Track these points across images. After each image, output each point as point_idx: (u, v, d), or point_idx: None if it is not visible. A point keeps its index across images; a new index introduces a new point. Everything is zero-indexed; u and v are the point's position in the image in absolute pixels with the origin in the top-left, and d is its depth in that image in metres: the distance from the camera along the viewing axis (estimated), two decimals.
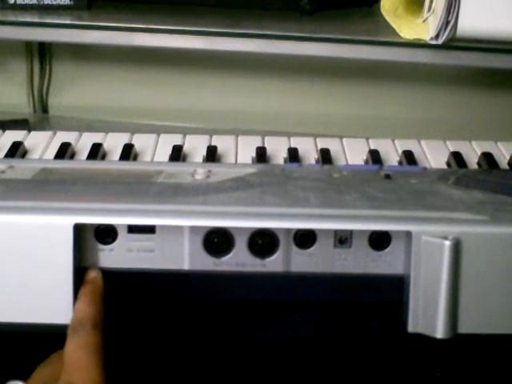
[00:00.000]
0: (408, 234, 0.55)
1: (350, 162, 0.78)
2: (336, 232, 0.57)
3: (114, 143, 0.80)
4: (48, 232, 0.55)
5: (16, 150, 0.78)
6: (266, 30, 0.93)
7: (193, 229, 0.56)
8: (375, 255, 0.57)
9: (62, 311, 0.55)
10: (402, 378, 0.65)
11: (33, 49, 1.18)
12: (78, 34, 0.96)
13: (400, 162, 0.78)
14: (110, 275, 0.57)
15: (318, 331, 0.61)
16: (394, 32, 0.90)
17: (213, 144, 0.81)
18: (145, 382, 0.64)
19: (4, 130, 0.84)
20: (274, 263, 0.57)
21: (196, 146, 0.80)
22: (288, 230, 0.57)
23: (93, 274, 0.56)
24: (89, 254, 0.57)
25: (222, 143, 0.81)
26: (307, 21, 0.97)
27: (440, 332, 0.54)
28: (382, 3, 0.90)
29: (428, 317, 0.55)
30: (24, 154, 0.79)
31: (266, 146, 0.81)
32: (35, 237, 0.55)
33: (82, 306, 0.54)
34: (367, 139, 0.82)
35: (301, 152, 0.79)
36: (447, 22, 0.83)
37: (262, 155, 0.78)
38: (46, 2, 0.99)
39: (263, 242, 0.57)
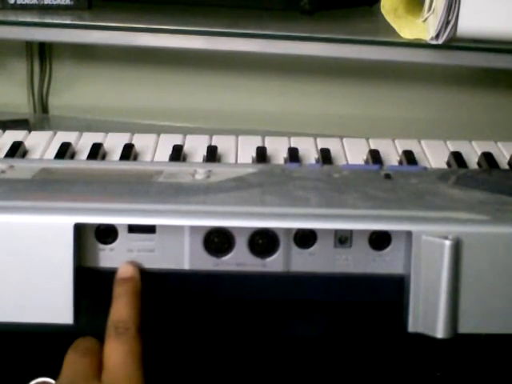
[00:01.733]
0: (408, 234, 0.55)
1: (350, 162, 0.78)
2: (336, 232, 0.57)
3: (114, 143, 0.80)
4: (48, 232, 0.55)
5: (16, 150, 0.78)
6: (266, 29, 0.93)
7: (193, 228, 0.56)
8: (375, 255, 0.57)
9: (62, 311, 0.55)
10: (402, 377, 0.65)
11: (33, 49, 1.18)
12: (78, 34, 0.96)
13: (400, 162, 0.78)
14: (110, 275, 0.57)
15: (318, 331, 0.61)
16: (394, 32, 0.90)
17: (213, 144, 0.81)
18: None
19: (4, 130, 0.84)
20: (274, 263, 0.57)
21: (196, 146, 0.80)
22: (288, 230, 0.57)
23: (130, 271, 0.56)
24: (89, 254, 0.57)
25: (222, 143, 0.81)
26: (307, 21, 0.97)
27: (440, 332, 0.54)
28: (382, 3, 0.90)
29: (428, 317, 0.55)
30: (24, 154, 0.79)
31: (266, 145, 0.81)
32: (35, 237, 0.55)
33: (123, 307, 0.54)
34: (367, 139, 0.82)
35: (301, 152, 0.79)
36: (447, 22, 0.83)
37: (262, 155, 0.78)
38: (46, 2, 0.99)
39: (263, 241, 0.57)
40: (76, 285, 0.55)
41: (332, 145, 0.80)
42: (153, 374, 0.54)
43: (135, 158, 0.78)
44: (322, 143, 0.81)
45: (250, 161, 0.78)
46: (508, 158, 0.79)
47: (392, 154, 0.79)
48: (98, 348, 0.53)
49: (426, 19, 0.87)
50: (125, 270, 0.56)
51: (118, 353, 0.51)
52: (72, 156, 0.78)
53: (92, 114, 1.16)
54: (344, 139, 0.82)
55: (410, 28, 0.89)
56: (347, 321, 0.59)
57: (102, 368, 0.51)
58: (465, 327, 0.55)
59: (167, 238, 0.57)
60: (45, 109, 1.21)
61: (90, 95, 1.19)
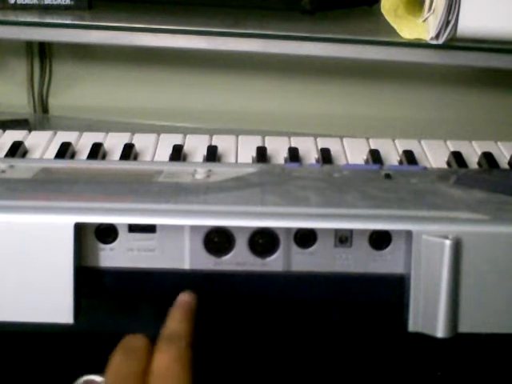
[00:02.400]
0: (408, 234, 0.55)
1: (350, 162, 0.78)
2: (336, 231, 0.57)
3: (114, 143, 0.80)
4: (48, 231, 0.55)
5: (16, 150, 0.78)
6: (266, 29, 0.93)
7: (193, 228, 0.56)
8: (376, 255, 0.57)
9: (62, 311, 0.55)
10: (402, 377, 0.65)
11: (33, 49, 1.18)
12: (78, 34, 0.96)
13: (400, 162, 0.78)
14: (110, 275, 0.57)
15: (317, 331, 0.61)
16: (394, 32, 0.90)
17: (213, 144, 0.81)
18: None
19: (4, 130, 0.84)
20: (274, 262, 0.57)
21: (196, 146, 0.80)
22: (288, 230, 0.57)
23: (187, 298, 0.56)
24: (89, 254, 0.57)
25: (223, 143, 0.81)
26: (308, 21, 0.97)
27: (440, 331, 0.54)
28: (382, 3, 0.90)
29: (428, 316, 0.55)
30: (24, 154, 0.79)
31: (266, 145, 0.81)
32: (35, 236, 0.55)
33: (178, 320, 0.54)
34: (367, 139, 0.82)
35: (301, 152, 0.79)
36: (447, 22, 0.83)
37: (262, 155, 0.78)
38: (46, 2, 0.98)
39: (264, 241, 0.57)
40: (76, 285, 0.55)
41: (332, 145, 0.81)
42: None
43: (135, 158, 0.78)
44: (322, 143, 0.81)
45: (250, 161, 0.78)
46: (508, 157, 0.79)
47: (392, 154, 0.79)
48: (147, 347, 0.52)
49: (425, 19, 0.87)
50: (182, 297, 0.56)
51: (168, 358, 0.51)
52: (72, 156, 0.78)
53: (92, 114, 1.16)
54: (344, 139, 0.82)
55: (410, 28, 0.89)
56: (347, 321, 0.59)
57: (149, 372, 0.51)
58: (465, 327, 0.55)
59: (167, 238, 0.57)
60: (45, 109, 1.21)
61: (90, 95, 1.19)
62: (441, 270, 0.54)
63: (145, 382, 0.50)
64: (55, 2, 0.99)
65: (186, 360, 0.51)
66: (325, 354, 0.64)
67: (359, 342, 0.62)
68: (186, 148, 0.80)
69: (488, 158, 0.78)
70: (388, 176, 0.65)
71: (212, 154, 0.78)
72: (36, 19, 0.97)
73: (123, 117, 1.16)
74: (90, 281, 0.57)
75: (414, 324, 0.55)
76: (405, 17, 0.90)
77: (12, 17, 0.97)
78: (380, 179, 0.65)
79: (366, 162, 0.78)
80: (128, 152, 0.78)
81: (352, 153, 0.80)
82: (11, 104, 1.19)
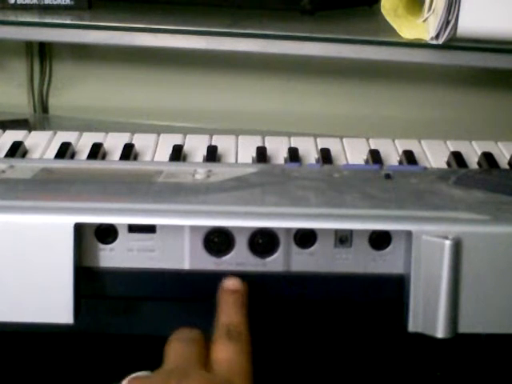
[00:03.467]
0: (408, 234, 0.55)
1: (350, 162, 0.78)
2: (336, 231, 0.57)
3: (114, 143, 0.80)
4: (48, 232, 0.55)
5: (16, 150, 0.78)
6: (266, 29, 0.93)
7: (193, 228, 0.56)
8: (375, 255, 0.57)
9: (62, 311, 0.55)
10: (402, 377, 0.65)
11: (33, 49, 1.18)
12: (78, 34, 0.96)
13: (400, 162, 0.78)
14: (110, 275, 0.57)
15: (317, 331, 0.61)
16: (394, 32, 0.90)
17: (213, 144, 0.81)
18: None
19: (4, 130, 0.84)
20: (274, 263, 0.57)
21: (196, 146, 0.80)
22: (288, 230, 0.57)
23: (237, 284, 0.56)
24: (89, 254, 0.57)
25: (222, 143, 0.81)
26: (307, 21, 0.97)
27: (440, 331, 0.54)
28: (382, 3, 0.90)
29: (428, 316, 0.55)
30: (24, 154, 0.79)
31: (266, 145, 0.81)
32: (35, 237, 0.55)
33: (234, 313, 0.54)
34: (367, 139, 0.82)
35: (301, 152, 0.79)
36: (447, 22, 0.83)
37: (262, 155, 0.78)
38: (46, 2, 0.98)
39: (263, 241, 0.57)
40: (76, 285, 0.55)
41: (332, 145, 0.80)
42: None
43: (135, 158, 0.78)
44: (322, 143, 0.81)
45: (250, 161, 0.78)
46: (508, 157, 0.79)
47: (392, 154, 0.79)
48: (203, 339, 0.52)
49: (426, 19, 0.87)
50: (232, 282, 0.56)
51: (231, 351, 0.51)
52: (72, 156, 0.78)
53: (92, 114, 1.16)
54: (344, 139, 0.82)
55: (410, 28, 0.89)
56: (347, 321, 0.59)
57: (211, 362, 0.51)
58: (465, 327, 0.55)
59: (167, 238, 0.57)
60: (45, 109, 1.21)
61: (89, 95, 1.19)
62: (441, 270, 0.54)
63: (207, 370, 0.50)
64: (55, 2, 0.99)
65: (248, 354, 0.51)
66: (325, 354, 0.64)
67: (359, 341, 0.62)
68: (185, 148, 0.80)
69: (488, 158, 0.78)
70: (388, 176, 0.65)
71: (212, 154, 0.78)
72: (36, 19, 0.97)
73: (123, 117, 1.16)
74: (89, 281, 0.57)
75: (414, 324, 0.55)
76: (405, 17, 0.90)
77: (12, 17, 0.97)
78: (380, 179, 0.65)
79: (366, 162, 0.78)
80: (128, 152, 0.78)
81: (352, 153, 0.80)
82: (11, 104, 1.19)
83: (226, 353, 0.51)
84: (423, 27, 0.88)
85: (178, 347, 0.52)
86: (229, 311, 0.54)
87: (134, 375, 0.51)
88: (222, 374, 0.50)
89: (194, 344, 0.52)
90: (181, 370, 0.50)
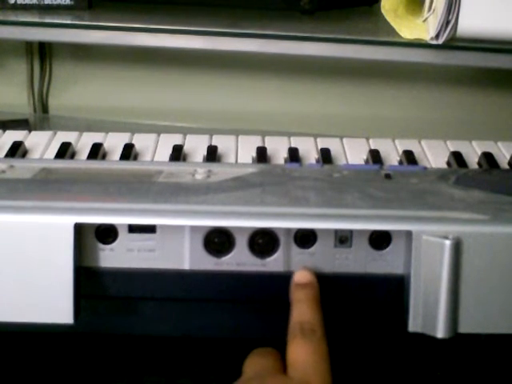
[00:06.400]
0: (408, 234, 0.55)
1: (350, 162, 0.78)
2: (336, 231, 0.57)
3: (114, 143, 0.80)
4: (48, 232, 0.55)
5: (16, 150, 0.78)
6: (266, 29, 0.93)
7: (193, 228, 0.56)
8: (375, 255, 0.57)
9: (62, 311, 0.55)
10: (402, 377, 0.65)
11: (33, 49, 1.18)
12: (78, 34, 0.96)
13: (400, 162, 0.78)
14: (110, 275, 0.57)
15: None
16: (394, 32, 0.90)
17: (213, 144, 0.81)
18: None
19: (4, 130, 0.84)
20: (274, 263, 0.57)
21: (196, 146, 0.80)
22: (288, 230, 0.57)
23: (308, 277, 0.56)
24: (89, 254, 0.57)
25: (222, 143, 0.81)
26: (307, 21, 0.97)
27: (440, 331, 0.54)
28: (382, 3, 0.90)
29: (428, 316, 0.55)
30: (24, 154, 0.79)
31: (266, 145, 0.81)
32: (35, 237, 0.55)
33: (307, 310, 0.53)
34: (367, 139, 0.82)
35: (301, 152, 0.79)
36: (447, 22, 0.83)
37: (262, 155, 0.78)
38: (46, 2, 0.98)
39: (264, 241, 0.57)
40: (76, 285, 0.55)
41: (332, 145, 0.80)
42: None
43: (135, 158, 0.78)
44: (322, 143, 0.81)
45: (250, 161, 0.78)
46: (508, 157, 0.79)
47: (392, 154, 0.79)
48: (278, 353, 0.53)
49: (426, 19, 0.87)
50: (302, 276, 0.56)
51: (306, 350, 0.51)
52: (72, 156, 0.78)
53: (92, 114, 1.16)
54: (344, 139, 0.82)
55: (410, 28, 0.89)
56: (347, 321, 0.59)
57: (287, 366, 0.51)
58: (465, 327, 0.55)
59: (167, 238, 0.57)
60: (45, 109, 1.21)
61: (90, 95, 1.19)
62: (441, 270, 0.54)
63: (283, 374, 0.51)
64: (55, 2, 0.99)
65: (323, 351, 0.51)
66: None
67: (359, 341, 0.62)
68: (186, 148, 0.80)
69: (488, 158, 0.78)
70: (388, 176, 0.65)
71: (212, 154, 0.78)
72: (36, 19, 0.97)
73: (123, 117, 1.16)
74: (89, 281, 0.57)
75: (414, 324, 0.55)
76: (405, 17, 0.90)
77: (12, 17, 0.97)
78: (380, 179, 0.65)
79: (366, 162, 0.78)
80: (128, 152, 0.78)
81: (352, 153, 0.80)
82: (11, 104, 1.19)
83: (301, 354, 0.51)
84: (423, 27, 0.88)
85: (255, 360, 0.53)
86: (300, 308, 0.54)
87: None
88: (300, 377, 0.50)
89: (270, 355, 0.53)
90: (258, 376, 0.50)
